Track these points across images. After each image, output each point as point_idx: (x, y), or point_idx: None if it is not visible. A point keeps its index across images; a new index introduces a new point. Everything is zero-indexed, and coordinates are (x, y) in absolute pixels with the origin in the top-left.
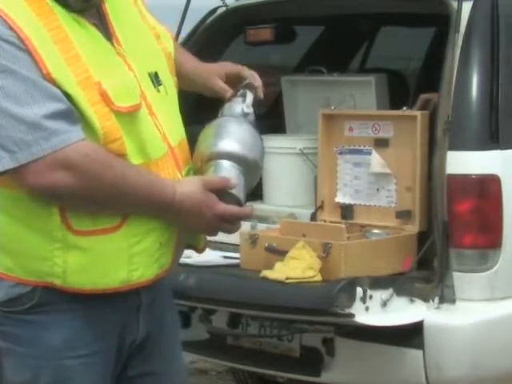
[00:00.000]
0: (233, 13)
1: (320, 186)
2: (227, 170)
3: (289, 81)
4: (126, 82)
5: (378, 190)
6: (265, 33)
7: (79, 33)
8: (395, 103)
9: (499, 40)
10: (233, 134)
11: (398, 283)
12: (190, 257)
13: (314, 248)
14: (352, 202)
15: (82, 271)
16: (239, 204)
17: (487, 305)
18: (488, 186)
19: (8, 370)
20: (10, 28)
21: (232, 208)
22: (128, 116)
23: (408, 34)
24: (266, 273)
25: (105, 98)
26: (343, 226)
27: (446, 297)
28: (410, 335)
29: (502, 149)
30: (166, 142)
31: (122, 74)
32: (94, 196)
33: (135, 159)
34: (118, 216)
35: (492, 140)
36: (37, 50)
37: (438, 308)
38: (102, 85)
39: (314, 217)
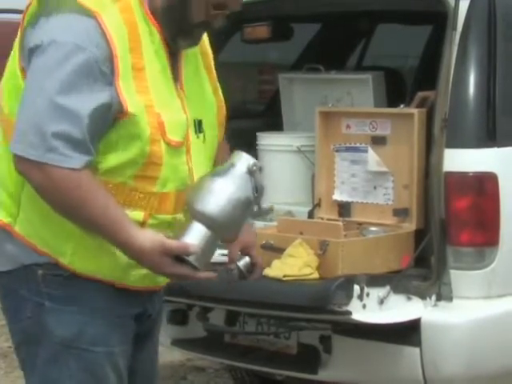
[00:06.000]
0: None
1: (317, 183)
2: (194, 235)
3: (286, 78)
4: (179, 121)
5: (375, 187)
6: (262, 30)
7: (155, 65)
8: (392, 101)
9: (496, 37)
10: (218, 196)
11: (395, 281)
12: None
13: (312, 245)
14: (349, 200)
15: (87, 259)
16: (195, 268)
17: (484, 302)
18: (485, 184)
19: (53, 325)
20: (107, 44)
21: (183, 271)
22: (173, 149)
23: (405, 32)
24: (264, 270)
25: (161, 127)
26: (340, 223)
27: (443, 294)
28: (407, 333)
29: (499, 146)
30: (190, 180)
31: (177, 113)
32: (59, 206)
33: (164, 186)
34: None
35: (489, 138)
36: (119, 72)
37: (435, 306)
38: (161, 116)
39: (311, 214)
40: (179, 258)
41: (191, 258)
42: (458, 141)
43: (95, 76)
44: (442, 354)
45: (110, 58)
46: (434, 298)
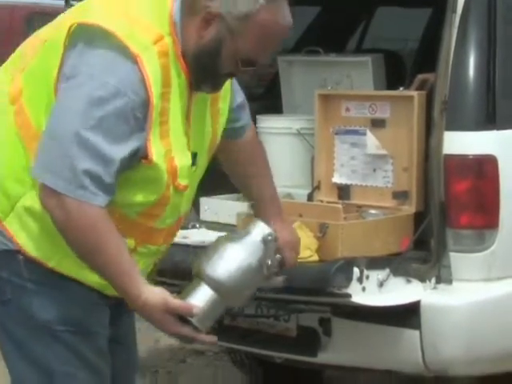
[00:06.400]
0: None
1: (317, 166)
2: (200, 297)
3: (285, 61)
4: (187, 164)
5: (374, 170)
6: None
7: (177, 107)
8: (392, 83)
9: (496, 20)
10: (229, 261)
11: (395, 263)
12: (187, 237)
13: (311, 228)
14: (349, 183)
15: (73, 270)
16: (197, 329)
17: (484, 285)
18: (485, 167)
19: (34, 308)
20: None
21: (184, 331)
22: (179, 192)
23: (405, 14)
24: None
25: (173, 172)
26: (340, 206)
27: (443, 277)
28: (407, 315)
29: (498, 129)
30: (179, 213)
31: (185, 153)
32: (72, 243)
33: (163, 223)
34: None
35: (489, 120)
36: (152, 121)
37: (434, 288)
38: (174, 161)
39: (310, 197)
40: (182, 318)
41: (194, 320)
42: (458, 123)
43: (129, 122)
44: (441, 337)
45: (145, 104)
46: (433, 280)
